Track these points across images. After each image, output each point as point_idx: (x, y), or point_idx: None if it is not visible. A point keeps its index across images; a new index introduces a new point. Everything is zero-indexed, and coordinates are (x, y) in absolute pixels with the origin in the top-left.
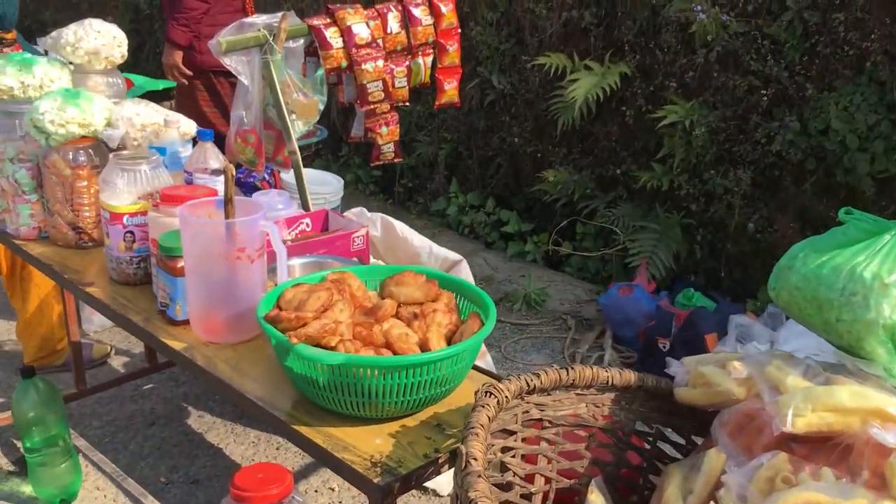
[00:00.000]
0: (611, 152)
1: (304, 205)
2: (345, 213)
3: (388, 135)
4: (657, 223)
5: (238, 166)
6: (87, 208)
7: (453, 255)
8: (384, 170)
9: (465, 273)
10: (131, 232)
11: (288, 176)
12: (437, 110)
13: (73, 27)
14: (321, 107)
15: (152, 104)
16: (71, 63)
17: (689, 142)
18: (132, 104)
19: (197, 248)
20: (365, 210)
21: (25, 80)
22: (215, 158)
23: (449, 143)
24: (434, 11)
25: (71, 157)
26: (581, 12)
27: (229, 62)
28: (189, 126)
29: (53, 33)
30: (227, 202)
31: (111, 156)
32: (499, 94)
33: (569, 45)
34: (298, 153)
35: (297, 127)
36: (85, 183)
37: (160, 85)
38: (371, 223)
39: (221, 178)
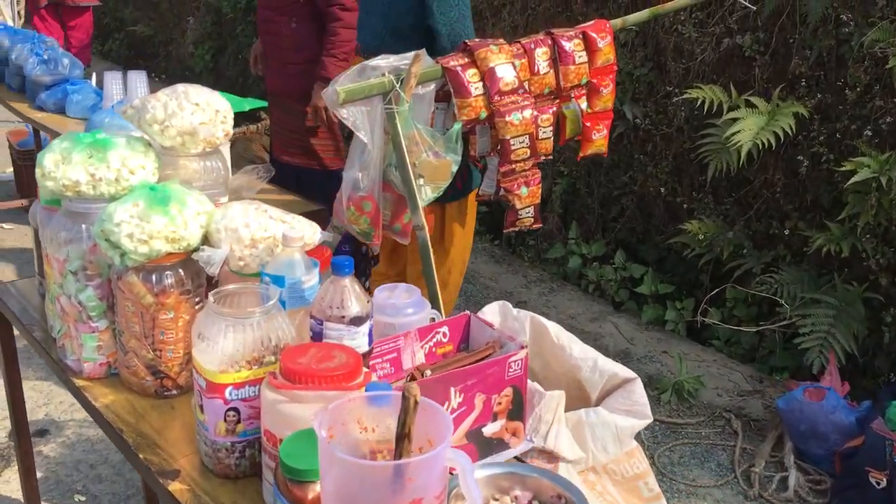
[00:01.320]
0: (773, 205)
1: (434, 301)
2: (484, 310)
3: (527, 197)
4: (833, 296)
5: (344, 237)
6: (171, 348)
7: (624, 372)
8: (488, 204)
9: (637, 394)
10: (235, 409)
11: None
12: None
13: (163, 97)
14: (454, 168)
15: (271, 209)
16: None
17: (881, 202)
18: (240, 209)
19: (346, 491)
20: (509, 306)
21: (97, 172)
22: (356, 300)
23: (565, 177)
24: (588, 45)
25: (154, 279)
26: (742, 37)
27: (345, 114)
28: (313, 234)
29: (136, 102)
30: (401, 438)
31: (210, 297)
32: (630, 126)
33: (724, 76)
34: (426, 229)
35: (426, 193)
36: (171, 314)
37: (246, 105)
38: (518, 324)
39: (362, 329)
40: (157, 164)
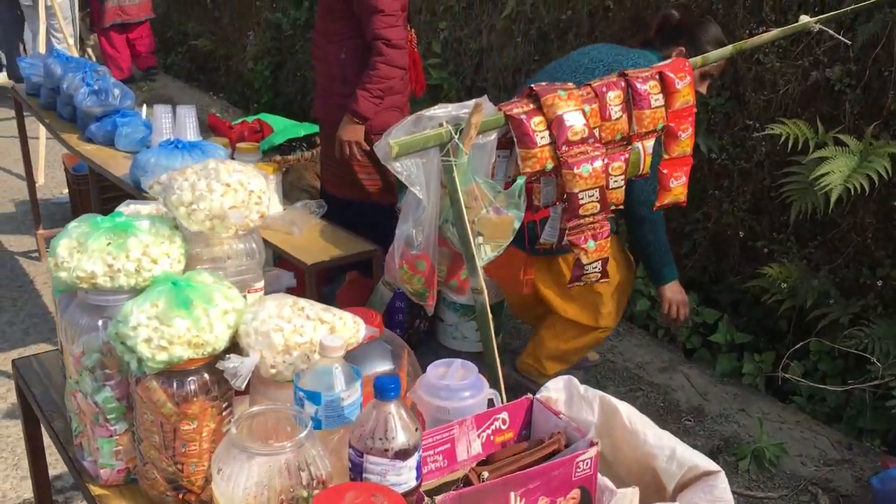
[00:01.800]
0: (863, 251)
1: (494, 381)
2: (548, 385)
3: (595, 251)
4: None
5: (397, 293)
6: (195, 461)
7: (706, 463)
8: None
9: (720, 489)
10: None
11: None
12: None
13: (191, 175)
14: (517, 225)
15: (309, 306)
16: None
17: None
18: (273, 308)
19: None
20: (576, 382)
21: (116, 263)
22: (403, 430)
23: None
24: (666, 87)
25: (175, 385)
26: (831, 69)
27: (399, 168)
28: (356, 332)
29: (164, 178)
30: None
31: (231, 428)
32: (703, 159)
33: (810, 110)
34: (485, 293)
35: (485, 252)
36: (194, 424)
37: (301, 131)
38: (585, 404)
39: (409, 463)
40: (182, 251)
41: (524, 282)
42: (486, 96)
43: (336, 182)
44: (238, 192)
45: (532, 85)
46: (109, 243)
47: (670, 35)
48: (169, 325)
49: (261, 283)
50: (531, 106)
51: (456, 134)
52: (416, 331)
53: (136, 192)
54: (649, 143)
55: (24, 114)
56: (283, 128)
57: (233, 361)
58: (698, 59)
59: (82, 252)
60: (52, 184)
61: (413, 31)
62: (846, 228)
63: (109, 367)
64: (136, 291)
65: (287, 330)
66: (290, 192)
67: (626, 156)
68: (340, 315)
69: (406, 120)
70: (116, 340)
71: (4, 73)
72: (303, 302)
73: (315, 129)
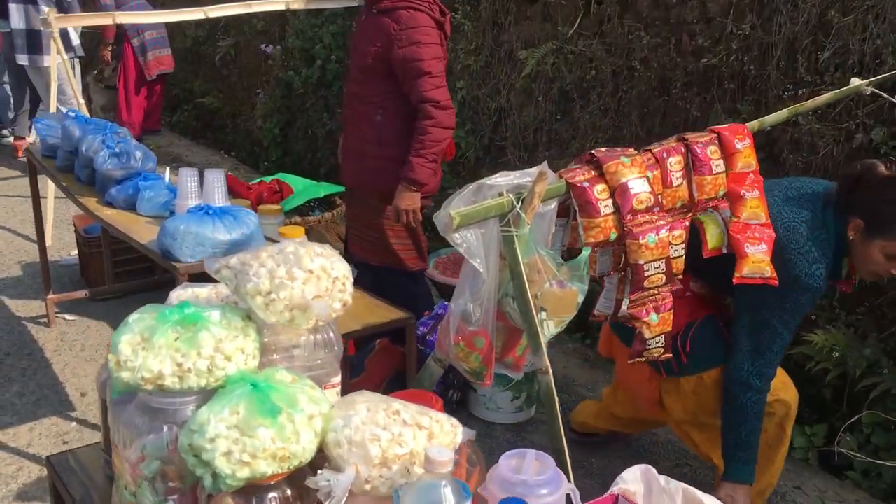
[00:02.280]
0: None
1: (563, 466)
2: (625, 476)
3: (658, 324)
4: None
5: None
6: None
7: None
8: None
9: None
10: None
11: None
12: None
13: (268, 261)
14: (580, 299)
15: (403, 407)
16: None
17: None
18: (364, 412)
19: None
20: (654, 473)
21: (186, 362)
22: None
23: None
24: (724, 149)
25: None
26: (875, 132)
27: (458, 239)
28: (454, 437)
29: (234, 262)
30: None
31: None
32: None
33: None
34: (550, 373)
35: (548, 328)
36: None
37: (321, 191)
38: (667, 497)
39: None
40: (257, 346)
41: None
42: (545, 164)
43: (364, 246)
44: (321, 279)
45: (593, 151)
46: (178, 338)
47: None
48: (252, 437)
49: (338, 378)
50: (593, 173)
51: (517, 203)
52: (449, 401)
53: (162, 261)
54: (726, 212)
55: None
56: (302, 188)
57: (326, 478)
58: (755, 124)
59: (148, 349)
60: (59, 245)
61: None
62: (891, 293)
63: (172, 478)
64: (205, 392)
65: (384, 439)
66: None
67: (687, 223)
68: (437, 417)
69: (466, 189)
70: (189, 453)
71: (9, 132)
72: (396, 403)
73: (335, 188)
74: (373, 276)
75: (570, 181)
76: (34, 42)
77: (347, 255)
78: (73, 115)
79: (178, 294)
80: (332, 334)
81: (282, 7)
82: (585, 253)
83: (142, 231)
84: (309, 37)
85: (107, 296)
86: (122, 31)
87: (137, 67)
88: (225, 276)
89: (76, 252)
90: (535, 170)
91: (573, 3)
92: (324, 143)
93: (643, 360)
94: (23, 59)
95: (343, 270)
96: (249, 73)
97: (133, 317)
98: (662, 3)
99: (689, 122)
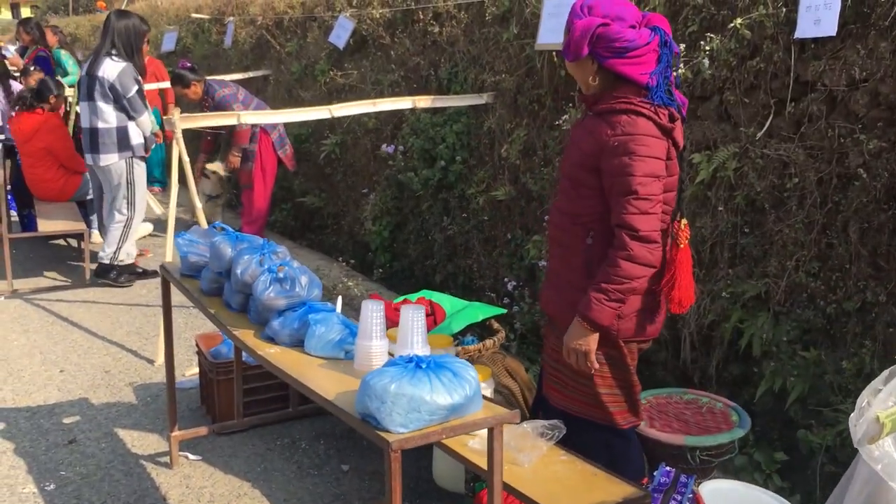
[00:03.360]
0: None
1: None
2: None
3: None
4: None
5: None
6: None
7: None
8: None
9: None
10: None
11: None
12: None
13: None
14: None
15: None
16: None
17: None
18: None
19: None
20: None
21: None
22: None
23: None
24: None
25: None
26: None
27: (876, 453)
28: None
29: None
30: None
31: None
32: None
33: None
34: None
35: None
36: None
37: (479, 314)
38: None
39: None
40: None
41: None
42: None
43: (565, 392)
44: None
45: None
46: None
47: None
48: None
49: None
50: None
51: None
52: None
53: (364, 429)
54: None
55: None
56: (457, 310)
57: None
58: None
59: None
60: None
61: None
62: None
63: None
64: None
65: None
66: None
67: None
68: None
69: (880, 376)
70: None
71: (96, 231)
72: None
73: (494, 311)
74: (572, 429)
75: None
76: (94, 140)
77: (540, 402)
78: (221, 228)
79: None
80: None
81: (409, 105)
82: None
83: (320, 379)
84: (430, 136)
85: (234, 430)
86: (254, 131)
87: (277, 161)
88: None
89: (192, 372)
90: None
91: (758, 101)
92: (441, 249)
93: None
94: (88, 158)
95: None
96: (355, 172)
97: None
98: (885, 101)
99: None
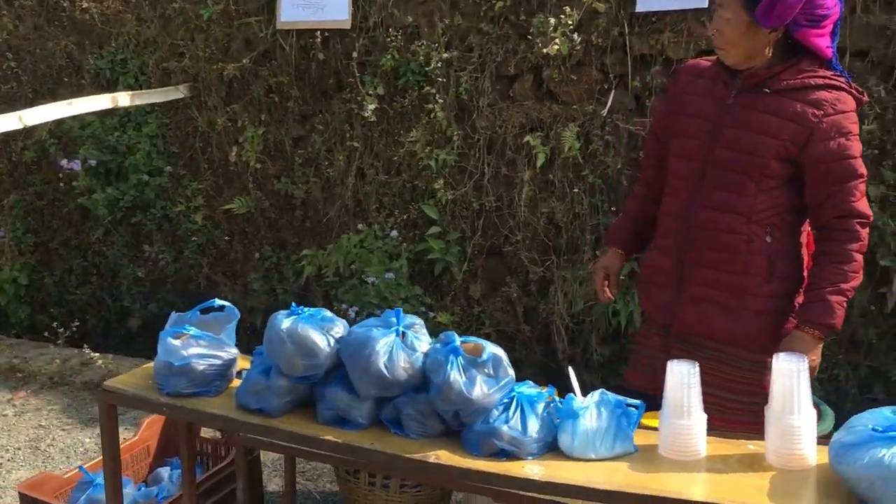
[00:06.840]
0: None
1: None
2: None
3: None
4: None
5: None
6: None
7: None
8: None
9: None
10: None
11: None
12: None
13: None
14: None
15: None
16: None
17: None
18: None
19: None
20: None
21: None
22: None
23: None
24: None
25: None
26: None
27: None
28: None
29: None
30: None
31: None
32: None
33: None
34: None
35: None
36: None
37: None
38: None
39: None
40: None
41: None
42: None
43: (738, 416)
44: None
45: None
46: None
47: None
48: None
49: None
50: None
51: None
52: None
53: None
54: None
55: None
56: None
57: None
58: None
59: None
60: None
61: None
62: None
63: None
64: None
65: None
66: None
67: None
68: None
69: None
70: None
71: None
72: None
73: None
74: None
75: None
76: None
77: None
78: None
79: None
80: None
81: (108, 105)
82: None
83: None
84: (110, 145)
85: None
86: None
87: None
88: None
89: None
90: None
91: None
92: (133, 286)
93: None
94: None
95: None
96: None
97: None
98: None
99: None
